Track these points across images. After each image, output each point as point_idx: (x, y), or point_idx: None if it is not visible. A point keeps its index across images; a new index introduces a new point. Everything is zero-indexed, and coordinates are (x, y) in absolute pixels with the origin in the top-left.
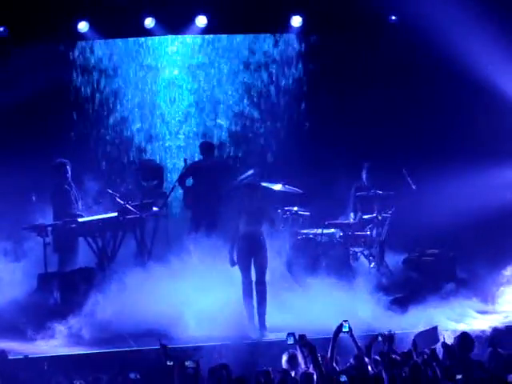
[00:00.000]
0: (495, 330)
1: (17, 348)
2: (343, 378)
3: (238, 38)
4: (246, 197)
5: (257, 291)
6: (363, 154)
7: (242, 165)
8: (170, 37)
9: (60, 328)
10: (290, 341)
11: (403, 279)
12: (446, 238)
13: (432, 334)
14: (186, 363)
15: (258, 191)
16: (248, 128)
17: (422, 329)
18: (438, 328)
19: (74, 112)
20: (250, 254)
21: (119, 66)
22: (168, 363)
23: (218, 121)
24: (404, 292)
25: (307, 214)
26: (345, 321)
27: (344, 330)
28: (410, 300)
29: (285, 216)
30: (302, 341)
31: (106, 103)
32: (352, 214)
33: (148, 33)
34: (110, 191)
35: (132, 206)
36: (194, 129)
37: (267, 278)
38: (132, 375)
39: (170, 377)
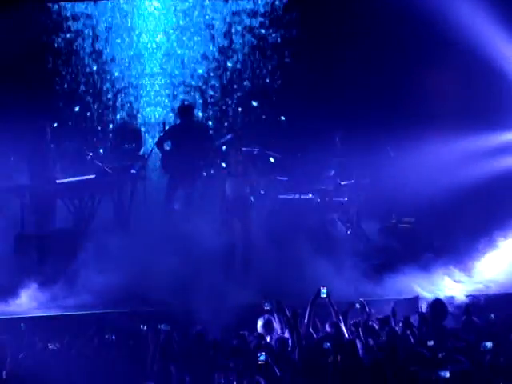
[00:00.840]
0: (470, 299)
1: None
2: (326, 346)
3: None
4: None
5: (242, 253)
6: (341, 121)
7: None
8: None
9: (37, 289)
10: (267, 306)
11: (380, 246)
12: (423, 206)
13: (413, 303)
14: (160, 326)
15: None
16: (225, 93)
17: (401, 297)
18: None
19: (53, 72)
20: (235, 217)
21: (97, 24)
22: (141, 327)
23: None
24: (381, 259)
25: (285, 178)
26: (323, 286)
27: (322, 295)
28: (387, 267)
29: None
30: (278, 306)
31: (84, 63)
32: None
33: None
34: (88, 153)
35: (110, 168)
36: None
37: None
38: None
39: (144, 340)
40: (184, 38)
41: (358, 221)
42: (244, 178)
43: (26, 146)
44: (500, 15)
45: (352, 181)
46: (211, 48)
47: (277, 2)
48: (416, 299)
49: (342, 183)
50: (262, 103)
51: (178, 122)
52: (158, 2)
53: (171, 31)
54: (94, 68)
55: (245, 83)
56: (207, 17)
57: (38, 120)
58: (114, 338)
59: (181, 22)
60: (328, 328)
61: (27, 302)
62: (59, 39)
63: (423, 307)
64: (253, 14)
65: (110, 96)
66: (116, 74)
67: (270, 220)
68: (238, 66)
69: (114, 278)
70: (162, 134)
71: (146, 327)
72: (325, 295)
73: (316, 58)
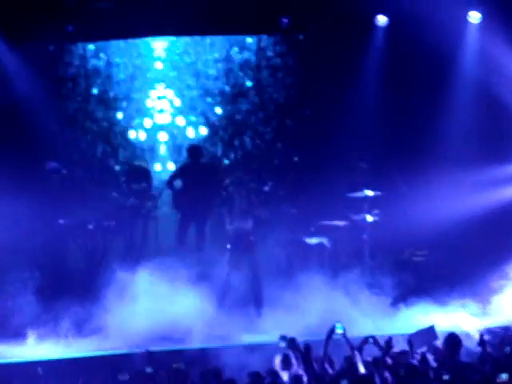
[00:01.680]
0: (485, 331)
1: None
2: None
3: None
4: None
5: (252, 286)
6: (355, 156)
7: (231, 166)
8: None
9: (50, 331)
10: (282, 344)
11: (393, 280)
12: (436, 239)
13: (429, 332)
14: (175, 366)
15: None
16: (237, 129)
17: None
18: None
19: (64, 112)
20: (240, 253)
21: (108, 63)
22: (147, 370)
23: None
24: (395, 293)
25: (296, 212)
26: (338, 322)
27: (337, 331)
28: (401, 301)
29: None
30: (293, 344)
31: (98, 102)
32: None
33: (134, 34)
34: (98, 193)
35: (121, 208)
36: (175, 132)
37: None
38: (121, 377)
39: (160, 380)
40: (192, 76)
41: (371, 255)
42: (251, 214)
43: (35, 188)
44: None
45: (365, 215)
46: (222, 85)
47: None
48: (431, 329)
49: (354, 218)
50: (276, 139)
51: (188, 161)
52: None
53: (182, 67)
54: (101, 108)
55: (255, 119)
56: (216, 54)
57: (51, 162)
58: (128, 378)
59: (188, 60)
60: (344, 363)
61: (40, 344)
62: (70, 79)
63: (438, 342)
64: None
65: (118, 137)
66: (121, 114)
67: (280, 255)
68: (249, 104)
69: (128, 318)
70: (172, 174)
71: (151, 370)
72: (340, 331)
73: (332, 97)
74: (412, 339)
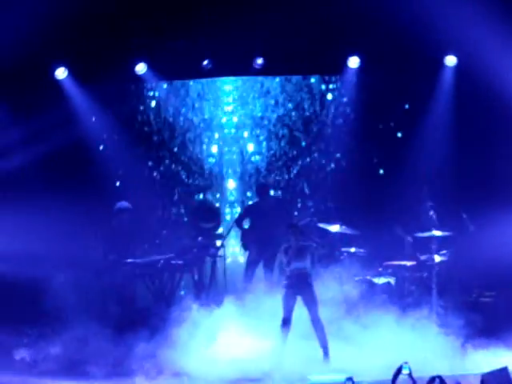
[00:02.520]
0: None
1: None
2: None
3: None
4: (291, 236)
5: (315, 328)
6: (421, 195)
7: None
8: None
9: (115, 368)
10: None
11: (462, 320)
12: (505, 279)
13: (502, 374)
14: None
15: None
16: (304, 169)
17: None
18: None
19: (133, 150)
20: (296, 293)
21: (174, 104)
22: None
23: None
24: (463, 333)
25: (363, 253)
26: (405, 362)
27: (404, 371)
28: (470, 342)
29: (342, 257)
30: None
31: (163, 143)
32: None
33: (205, 74)
34: (166, 232)
35: (190, 248)
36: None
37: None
38: None
39: None
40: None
41: (439, 295)
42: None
43: (104, 227)
44: None
45: (432, 255)
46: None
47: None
48: (505, 370)
49: (422, 258)
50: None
51: (256, 200)
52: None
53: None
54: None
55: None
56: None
57: (121, 203)
58: None
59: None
60: None
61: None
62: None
63: None
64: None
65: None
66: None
67: (348, 293)
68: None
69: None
70: (240, 213)
71: None
72: (406, 371)
73: (397, 136)
74: (485, 379)
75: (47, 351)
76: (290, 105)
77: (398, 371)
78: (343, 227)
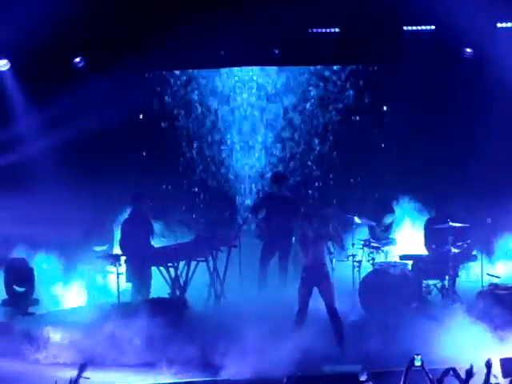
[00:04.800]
0: None
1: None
2: None
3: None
4: (307, 226)
5: (331, 319)
6: (437, 188)
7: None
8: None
9: (131, 357)
10: (363, 377)
11: (477, 312)
12: None
13: None
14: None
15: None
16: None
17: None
18: None
19: (150, 141)
20: (312, 284)
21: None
22: None
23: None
24: (483, 324)
25: (379, 245)
26: (417, 354)
27: (416, 363)
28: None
29: (360, 247)
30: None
31: (182, 132)
32: (425, 247)
33: (223, 64)
34: (184, 221)
35: (205, 237)
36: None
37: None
38: None
39: None
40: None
41: (454, 286)
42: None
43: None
44: None
45: (449, 247)
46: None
47: None
48: None
49: (438, 249)
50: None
51: (272, 190)
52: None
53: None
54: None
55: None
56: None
57: (137, 189)
58: None
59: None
60: None
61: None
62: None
63: None
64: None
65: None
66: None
67: (364, 286)
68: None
69: (208, 346)
70: (256, 202)
71: None
72: (419, 363)
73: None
74: (504, 363)
75: None
76: None
77: (410, 363)
78: (361, 218)
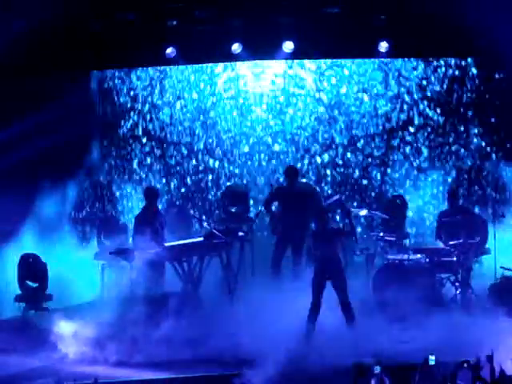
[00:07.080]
0: None
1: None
2: None
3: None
4: (320, 220)
5: (344, 313)
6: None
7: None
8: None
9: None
10: (377, 370)
11: (490, 305)
12: None
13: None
14: None
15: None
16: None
17: None
18: None
19: (156, 138)
20: (326, 278)
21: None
22: None
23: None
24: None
25: (393, 239)
26: (431, 354)
27: (430, 363)
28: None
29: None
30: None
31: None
32: (438, 240)
33: (234, 58)
34: (196, 216)
35: (218, 231)
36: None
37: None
38: None
39: None
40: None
41: (467, 280)
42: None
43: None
44: None
45: (461, 240)
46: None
47: None
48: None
49: (451, 242)
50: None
51: (285, 183)
52: None
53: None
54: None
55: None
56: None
57: (150, 185)
58: None
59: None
60: None
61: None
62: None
63: None
64: None
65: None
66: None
67: (377, 280)
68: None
69: (220, 342)
70: (269, 196)
71: None
72: (433, 363)
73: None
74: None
75: None
76: None
77: (425, 363)
78: (372, 211)
